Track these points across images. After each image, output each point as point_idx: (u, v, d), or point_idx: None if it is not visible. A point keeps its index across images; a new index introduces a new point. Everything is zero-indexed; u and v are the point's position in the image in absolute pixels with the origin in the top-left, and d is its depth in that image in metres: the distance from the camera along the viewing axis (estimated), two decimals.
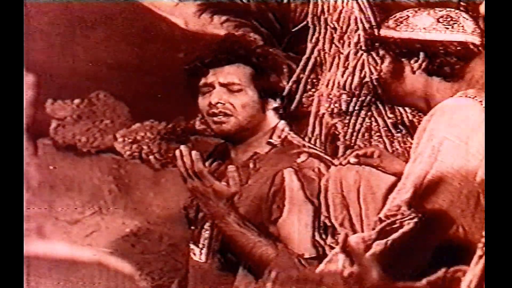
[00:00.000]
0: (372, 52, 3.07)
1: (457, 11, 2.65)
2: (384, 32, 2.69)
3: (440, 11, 2.65)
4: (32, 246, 3.00)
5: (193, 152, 2.64)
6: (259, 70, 2.81)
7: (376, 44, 2.73)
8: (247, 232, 2.68)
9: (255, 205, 2.77)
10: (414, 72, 2.64)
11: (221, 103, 2.79)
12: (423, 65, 2.62)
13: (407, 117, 3.09)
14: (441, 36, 2.61)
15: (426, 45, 2.61)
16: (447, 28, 2.60)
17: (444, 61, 2.60)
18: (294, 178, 2.76)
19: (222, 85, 2.79)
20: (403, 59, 2.65)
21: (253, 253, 2.68)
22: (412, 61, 2.64)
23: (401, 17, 2.67)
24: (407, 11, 2.68)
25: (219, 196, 2.66)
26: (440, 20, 2.62)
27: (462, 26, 2.60)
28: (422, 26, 2.62)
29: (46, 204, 3.32)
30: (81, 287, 3.04)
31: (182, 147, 2.67)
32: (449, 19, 2.61)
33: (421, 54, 2.62)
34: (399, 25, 2.65)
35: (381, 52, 2.71)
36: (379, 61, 2.84)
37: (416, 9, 2.68)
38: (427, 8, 2.67)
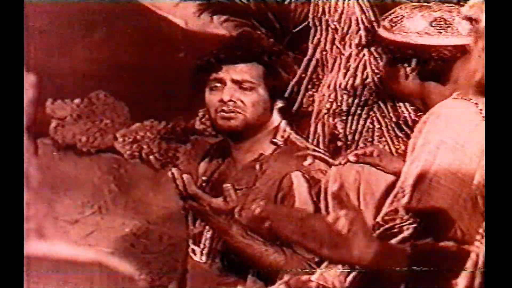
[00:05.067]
0: (370, 49, 3.05)
1: (453, 12, 2.61)
2: (380, 31, 2.67)
3: (435, 12, 2.62)
4: (32, 246, 2.99)
5: (184, 176, 2.63)
6: (271, 69, 2.80)
7: (374, 41, 2.71)
8: (252, 243, 2.67)
9: None
10: (407, 78, 2.62)
11: (232, 100, 2.78)
12: (416, 71, 2.60)
13: (410, 116, 3.08)
14: (433, 41, 2.58)
15: (418, 50, 2.58)
16: (440, 33, 2.56)
17: (437, 66, 2.57)
18: (303, 181, 2.75)
19: (234, 82, 2.78)
20: (398, 63, 2.63)
21: (262, 262, 2.68)
22: (405, 65, 2.62)
23: (396, 18, 2.64)
24: (403, 10, 2.65)
25: (218, 213, 2.65)
26: (434, 23, 2.58)
27: (457, 29, 2.57)
28: (414, 30, 2.59)
29: (46, 204, 3.31)
30: (81, 287, 3.03)
31: (174, 170, 2.66)
32: (442, 22, 2.57)
33: (413, 60, 2.60)
34: (393, 26, 2.62)
35: (379, 51, 2.70)
36: (378, 59, 2.84)
37: (412, 8, 2.65)
38: (422, 9, 2.63)
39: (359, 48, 3.15)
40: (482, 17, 1.90)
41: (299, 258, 2.69)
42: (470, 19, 1.97)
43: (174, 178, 2.62)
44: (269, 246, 2.68)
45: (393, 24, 2.62)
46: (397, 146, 3.09)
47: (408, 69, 2.60)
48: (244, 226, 2.69)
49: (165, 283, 3.32)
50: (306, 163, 2.78)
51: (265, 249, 2.68)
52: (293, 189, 2.75)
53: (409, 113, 3.09)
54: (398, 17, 2.63)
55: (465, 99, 2.52)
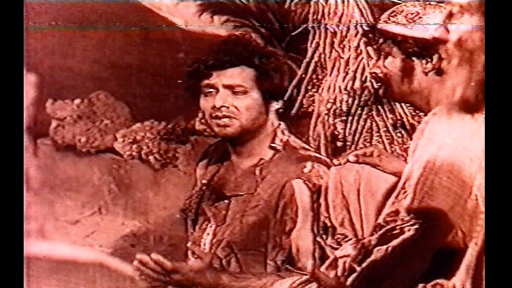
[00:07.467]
0: (373, 46, 3.04)
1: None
2: (392, 28, 2.65)
3: (445, 9, 2.61)
4: (32, 246, 3.00)
5: (153, 256, 2.62)
6: (262, 71, 2.80)
7: (380, 38, 2.70)
8: (248, 282, 2.67)
9: (263, 214, 2.76)
10: (426, 74, 2.62)
11: (225, 106, 2.78)
12: (436, 66, 2.60)
13: (407, 119, 3.08)
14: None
15: (440, 45, 2.58)
16: None
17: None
18: (304, 189, 2.75)
19: (226, 87, 2.78)
20: (414, 58, 2.63)
21: None
22: (424, 61, 2.61)
23: (411, 14, 2.63)
24: (415, 7, 2.65)
25: (202, 272, 2.64)
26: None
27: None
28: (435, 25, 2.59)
29: (46, 204, 3.32)
30: (81, 287, 3.04)
31: (140, 256, 2.64)
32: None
33: (435, 56, 2.59)
34: (411, 22, 2.62)
35: (388, 48, 2.68)
36: (374, 56, 2.83)
37: (424, 4, 2.65)
38: (436, 5, 2.63)
39: (359, 52, 3.14)
40: (449, 37, 1.91)
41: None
42: (438, 40, 1.98)
43: (146, 265, 2.59)
44: (264, 277, 2.68)
45: (410, 20, 2.61)
46: (393, 149, 3.09)
47: (429, 65, 2.60)
48: (232, 272, 2.69)
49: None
50: (306, 170, 2.78)
51: (263, 283, 2.67)
52: (295, 197, 2.75)
53: (406, 116, 3.09)
54: (413, 13, 2.62)
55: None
